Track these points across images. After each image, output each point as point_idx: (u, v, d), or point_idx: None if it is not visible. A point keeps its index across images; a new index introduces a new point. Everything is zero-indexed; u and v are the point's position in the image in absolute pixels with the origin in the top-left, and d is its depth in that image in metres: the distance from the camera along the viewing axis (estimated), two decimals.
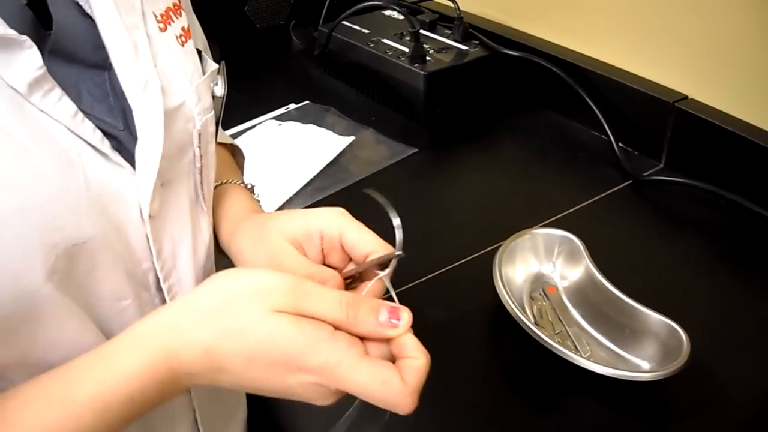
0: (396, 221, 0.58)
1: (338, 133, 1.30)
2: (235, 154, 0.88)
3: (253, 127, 1.34)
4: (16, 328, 0.48)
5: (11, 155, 0.46)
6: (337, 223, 0.62)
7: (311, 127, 1.33)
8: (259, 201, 0.77)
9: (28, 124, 0.47)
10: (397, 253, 0.57)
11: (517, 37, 1.39)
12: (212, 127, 0.65)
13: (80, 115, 0.50)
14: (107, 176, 0.52)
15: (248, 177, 0.83)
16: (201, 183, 0.64)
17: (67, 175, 0.49)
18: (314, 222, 0.62)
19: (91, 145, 0.50)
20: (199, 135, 0.61)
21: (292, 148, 1.28)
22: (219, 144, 0.82)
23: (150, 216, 0.56)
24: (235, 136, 1.31)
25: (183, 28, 0.63)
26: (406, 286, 0.93)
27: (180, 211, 0.61)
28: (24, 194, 0.46)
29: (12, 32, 0.47)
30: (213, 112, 0.65)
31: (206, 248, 0.64)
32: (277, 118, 1.38)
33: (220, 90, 0.66)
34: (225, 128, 0.88)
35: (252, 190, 0.78)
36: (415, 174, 1.22)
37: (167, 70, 0.58)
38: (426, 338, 0.51)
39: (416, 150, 1.26)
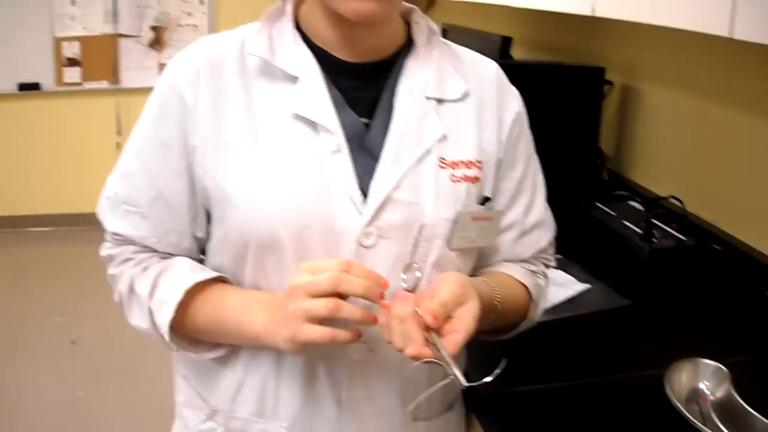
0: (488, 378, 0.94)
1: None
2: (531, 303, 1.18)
3: None
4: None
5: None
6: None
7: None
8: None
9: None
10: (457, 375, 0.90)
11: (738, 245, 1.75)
12: (443, 231, 1.04)
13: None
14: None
15: None
16: (414, 254, 1.03)
17: None
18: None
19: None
20: (421, 227, 1.02)
21: None
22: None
23: (359, 243, 1.01)
24: None
25: (465, 176, 1.05)
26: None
27: (382, 257, 1.02)
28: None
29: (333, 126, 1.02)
30: (454, 226, 1.04)
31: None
32: None
33: (450, 212, 1.05)
34: None
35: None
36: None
37: (422, 185, 1.03)
38: None
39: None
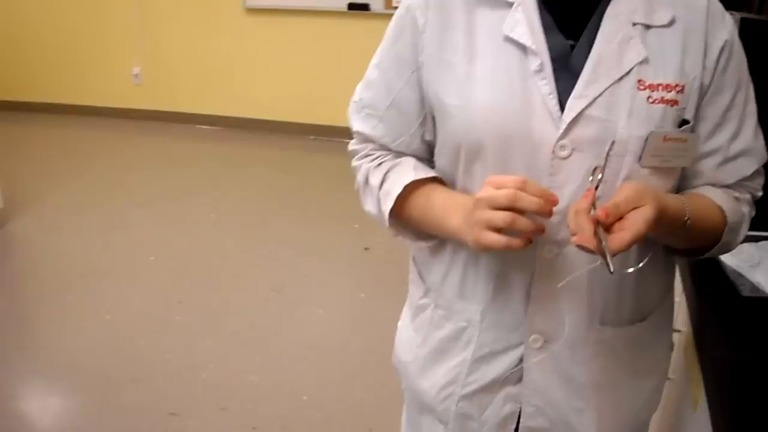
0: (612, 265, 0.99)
1: None
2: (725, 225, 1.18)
3: None
4: None
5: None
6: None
7: None
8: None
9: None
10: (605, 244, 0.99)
11: None
12: (634, 148, 1.09)
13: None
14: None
15: None
16: (603, 168, 1.07)
17: None
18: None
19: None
20: (612, 143, 1.08)
21: None
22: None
23: (554, 154, 1.09)
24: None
25: (662, 98, 1.09)
26: None
27: (575, 168, 1.09)
28: None
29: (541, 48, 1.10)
30: (645, 144, 1.09)
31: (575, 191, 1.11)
32: None
33: (642, 131, 1.10)
34: None
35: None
36: None
37: (616, 104, 1.08)
38: None
39: None
